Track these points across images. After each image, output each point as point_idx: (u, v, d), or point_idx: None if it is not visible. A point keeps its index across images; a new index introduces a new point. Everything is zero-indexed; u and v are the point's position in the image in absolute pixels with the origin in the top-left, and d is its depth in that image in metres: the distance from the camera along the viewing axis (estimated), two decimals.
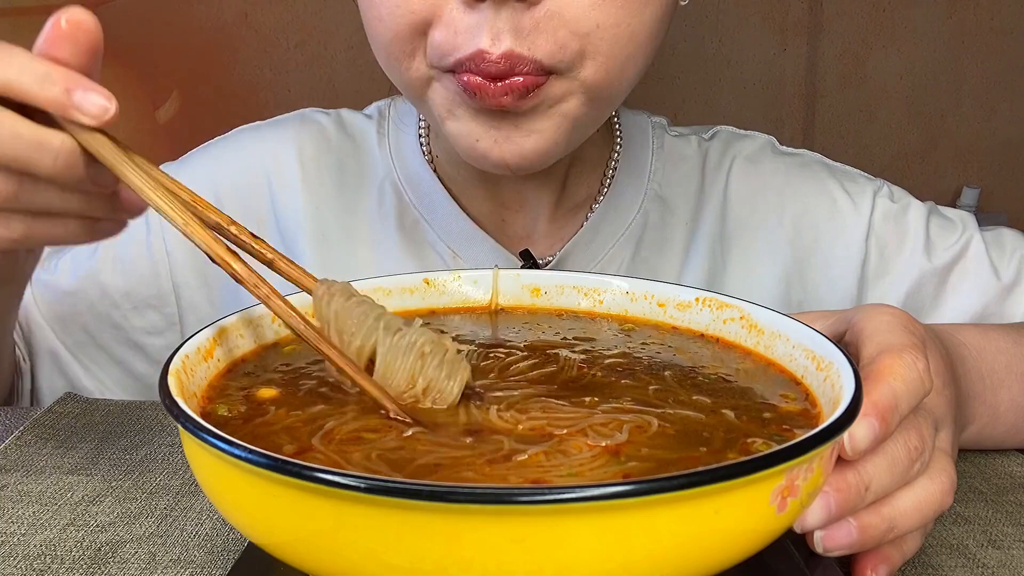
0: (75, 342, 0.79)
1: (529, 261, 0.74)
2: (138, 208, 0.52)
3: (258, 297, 0.44)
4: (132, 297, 0.79)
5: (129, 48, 1.69)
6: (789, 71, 1.78)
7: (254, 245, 0.47)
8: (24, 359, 0.78)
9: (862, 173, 0.84)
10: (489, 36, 0.58)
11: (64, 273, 0.79)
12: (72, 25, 0.45)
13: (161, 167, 0.47)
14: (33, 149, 0.45)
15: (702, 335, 0.54)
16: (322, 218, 0.80)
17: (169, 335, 0.80)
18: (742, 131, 0.86)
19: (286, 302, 0.44)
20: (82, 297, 0.78)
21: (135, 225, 0.77)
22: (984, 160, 1.86)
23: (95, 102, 0.44)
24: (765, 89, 1.79)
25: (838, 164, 0.85)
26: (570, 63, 0.60)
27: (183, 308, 0.80)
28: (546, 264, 0.77)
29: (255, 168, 0.81)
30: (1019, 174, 1.87)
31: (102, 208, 0.51)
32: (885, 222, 0.80)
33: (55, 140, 0.45)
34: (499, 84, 0.59)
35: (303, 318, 0.44)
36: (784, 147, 0.86)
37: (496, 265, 0.65)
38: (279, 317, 0.44)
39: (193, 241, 0.45)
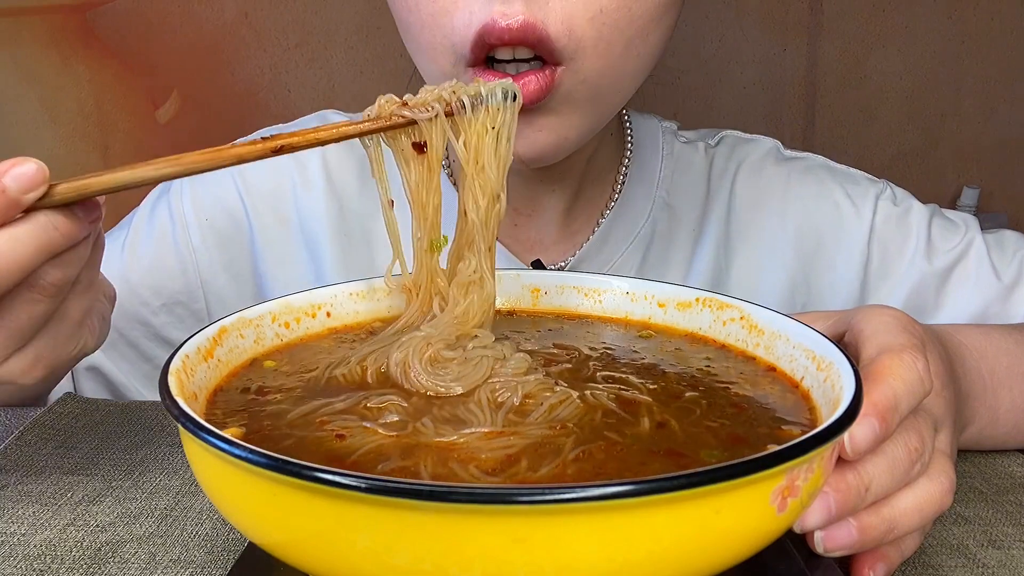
0: (106, 341, 0.79)
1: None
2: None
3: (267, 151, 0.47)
4: (160, 294, 0.81)
5: (129, 48, 1.69)
6: (789, 71, 1.78)
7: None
8: None
9: (866, 175, 0.85)
10: (501, 8, 0.60)
11: None
12: None
13: None
14: (45, 229, 0.45)
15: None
16: (345, 219, 0.82)
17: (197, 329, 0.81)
18: (747, 136, 0.87)
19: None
20: None
21: (162, 224, 0.80)
22: (984, 160, 1.86)
23: (25, 170, 0.44)
24: (765, 89, 1.78)
25: (841, 167, 0.86)
26: (574, 49, 0.62)
27: (210, 302, 0.82)
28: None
29: (279, 170, 0.83)
30: (1019, 174, 1.87)
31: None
32: (887, 225, 0.81)
33: (41, 216, 0.45)
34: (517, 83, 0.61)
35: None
36: (789, 151, 0.86)
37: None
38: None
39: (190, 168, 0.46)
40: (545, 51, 0.61)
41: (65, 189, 0.44)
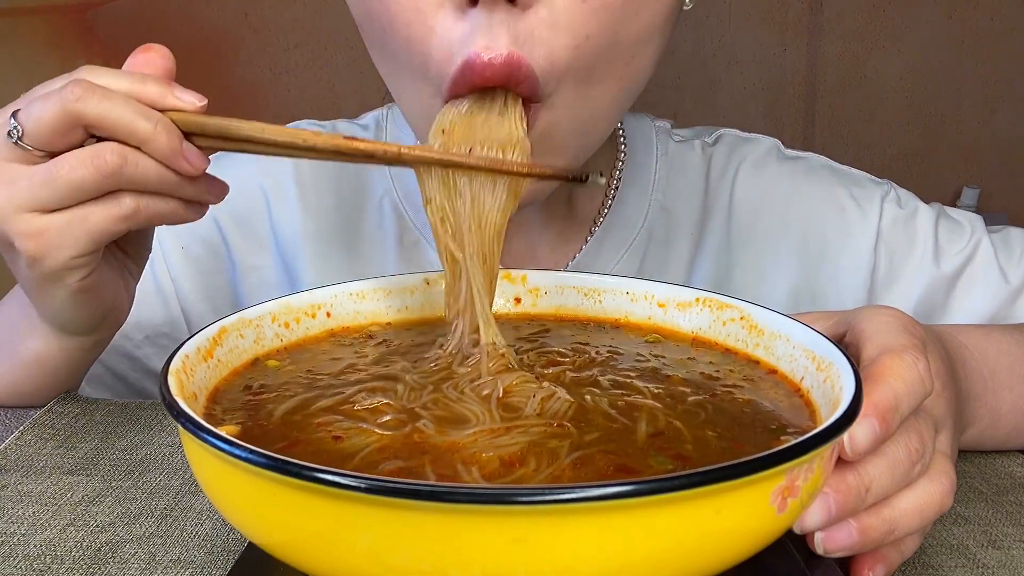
0: (92, 375, 0.79)
1: None
2: (220, 192, 0.56)
3: (389, 156, 0.49)
4: (143, 327, 0.79)
5: (129, 48, 1.69)
6: (789, 71, 1.78)
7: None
8: None
9: (869, 177, 0.83)
10: (484, 40, 0.54)
11: None
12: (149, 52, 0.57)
13: None
14: (138, 115, 0.51)
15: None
16: (322, 237, 0.80)
17: None
18: (746, 134, 0.85)
19: (415, 148, 0.50)
20: None
21: None
22: (984, 160, 1.86)
23: (191, 97, 0.53)
24: (765, 90, 1.79)
25: (844, 168, 0.83)
26: (555, 84, 0.56)
27: (193, 330, 0.79)
28: None
29: (252, 187, 0.81)
30: (1019, 174, 1.87)
31: (193, 190, 0.55)
32: (893, 229, 0.79)
33: (155, 113, 0.52)
34: None
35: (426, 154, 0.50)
36: (789, 151, 0.84)
37: None
38: (414, 163, 0.50)
39: (318, 147, 0.49)
40: (526, 89, 0.55)
41: (213, 119, 0.52)
